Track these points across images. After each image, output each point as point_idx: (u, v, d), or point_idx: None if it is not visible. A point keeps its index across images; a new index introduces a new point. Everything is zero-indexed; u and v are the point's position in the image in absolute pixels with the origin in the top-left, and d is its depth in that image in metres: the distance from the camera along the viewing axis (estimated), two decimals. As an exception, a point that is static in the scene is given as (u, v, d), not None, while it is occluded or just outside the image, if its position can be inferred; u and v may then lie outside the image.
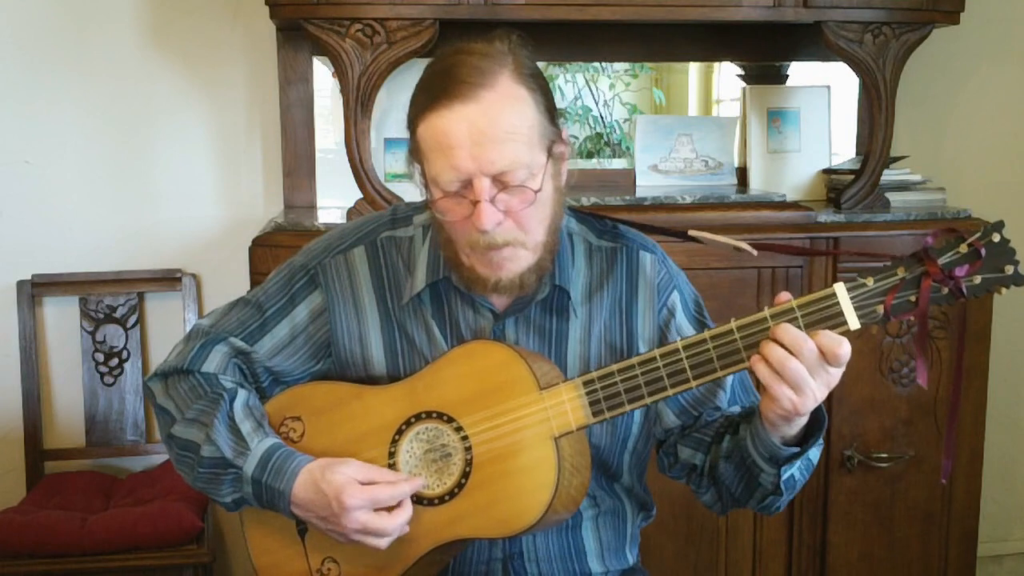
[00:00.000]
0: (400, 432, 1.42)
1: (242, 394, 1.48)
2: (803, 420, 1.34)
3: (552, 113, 1.38)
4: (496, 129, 1.30)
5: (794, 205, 2.61)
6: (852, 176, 2.72)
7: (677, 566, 2.55)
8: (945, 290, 1.27)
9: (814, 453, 1.42)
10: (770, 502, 1.44)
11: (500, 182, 1.32)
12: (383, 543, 1.37)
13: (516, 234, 1.35)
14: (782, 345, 1.27)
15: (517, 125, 1.32)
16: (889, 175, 2.76)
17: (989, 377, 2.65)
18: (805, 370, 1.27)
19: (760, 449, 1.38)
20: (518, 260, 1.37)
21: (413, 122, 1.36)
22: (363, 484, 1.37)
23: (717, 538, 2.56)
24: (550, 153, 1.37)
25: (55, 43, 2.71)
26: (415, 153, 1.38)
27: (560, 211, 1.43)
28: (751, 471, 1.41)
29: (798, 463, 1.40)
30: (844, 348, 1.27)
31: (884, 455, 2.57)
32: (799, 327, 1.28)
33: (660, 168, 2.89)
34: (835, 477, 2.57)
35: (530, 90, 1.34)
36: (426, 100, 1.33)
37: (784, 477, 1.39)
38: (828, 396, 2.62)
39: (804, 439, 1.38)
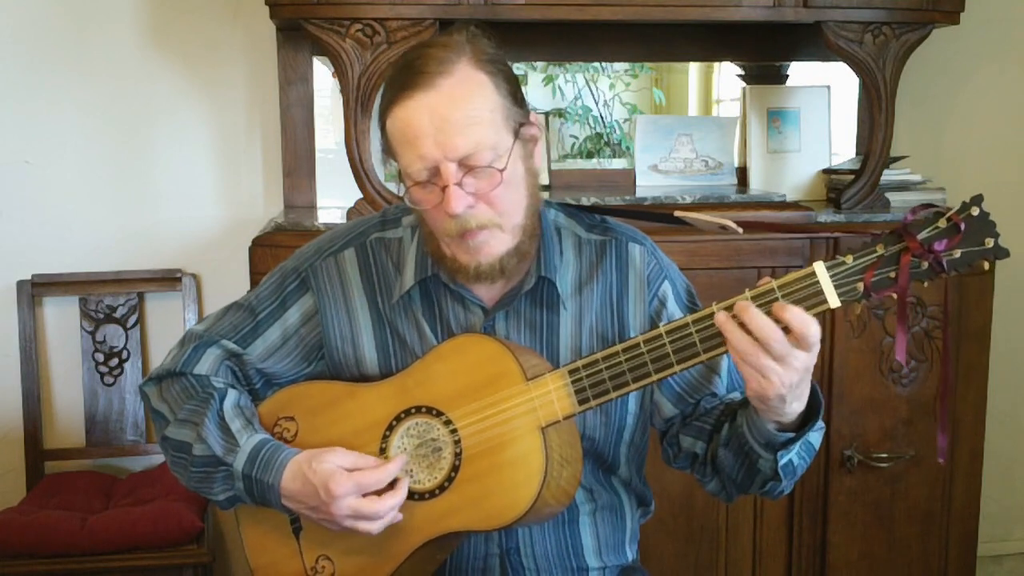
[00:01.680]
0: (391, 428, 1.42)
1: (232, 394, 1.49)
2: (798, 407, 1.33)
3: (517, 96, 1.40)
4: (457, 113, 1.32)
5: (794, 205, 2.61)
6: (852, 176, 2.72)
7: (677, 566, 2.55)
8: (925, 265, 1.26)
9: (815, 437, 1.42)
10: (771, 487, 1.44)
11: (466, 165, 1.34)
12: (375, 527, 1.37)
13: (491, 216, 1.37)
14: (748, 331, 1.26)
15: (478, 108, 1.34)
16: (889, 175, 2.76)
17: (989, 377, 2.65)
18: (767, 356, 1.25)
19: (756, 435, 1.38)
20: (496, 243, 1.38)
21: (382, 119, 1.39)
22: (349, 471, 1.37)
23: (717, 538, 2.56)
24: (517, 135, 1.38)
25: (55, 43, 2.71)
26: (388, 150, 1.41)
27: (537, 194, 1.44)
28: (749, 457, 1.41)
29: (796, 448, 1.39)
30: (812, 329, 1.25)
31: (884, 455, 2.57)
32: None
33: (660, 168, 2.89)
34: (835, 477, 2.57)
35: (490, 74, 1.37)
36: (390, 95, 1.37)
37: (782, 463, 1.39)
38: (828, 395, 2.63)
39: (803, 424, 1.37)
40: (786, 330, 1.25)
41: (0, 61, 2.70)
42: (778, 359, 1.26)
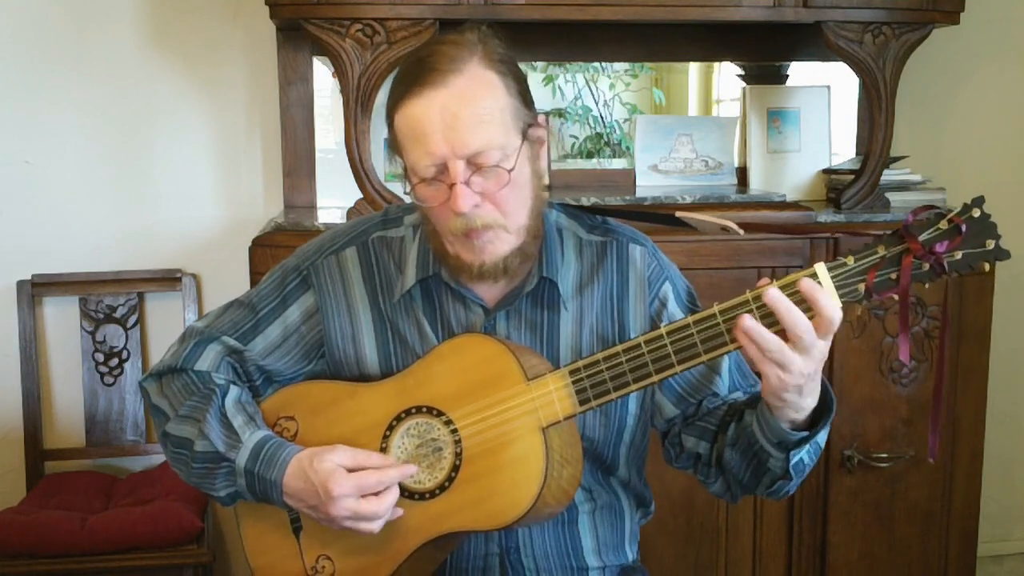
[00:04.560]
0: (391, 428, 1.42)
1: (234, 390, 1.50)
2: (812, 401, 1.33)
3: (526, 97, 1.41)
4: (467, 111, 1.33)
5: (794, 205, 2.61)
6: (852, 176, 2.72)
7: (677, 566, 2.55)
8: (926, 266, 1.27)
9: (821, 436, 1.41)
10: (779, 487, 1.44)
11: (474, 164, 1.34)
12: (375, 527, 1.38)
13: (495, 216, 1.37)
14: (778, 315, 1.26)
15: (488, 107, 1.34)
16: (889, 175, 2.76)
17: (989, 377, 2.65)
18: (784, 345, 1.25)
19: (768, 435, 1.37)
20: (500, 243, 1.39)
21: (390, 114, 1.40)
22: (351, 469, 1.37)
23: (717, 538, 2.56)
24: (525, 136, 1.39)
25: (55, 43, 2.71)
26: (394, 146, 1.41)
27: (541, 195, 1.45)
28: (759, 457, 1.41)
29: (807, 446, 1.39)
30: (838, 315, 1.26)
31: (884, 455, 2.57)
32: None
33: (660, 168, 2.89)
34: (835, 477, 2.57)
35: (500, 74, 1.37)
36: (400, 91, 1.37)
37: (793, 461, 1.39)
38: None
39: (813, 422, 1.37)
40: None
41: (0, 61, 2.70)
42: (803, 350, 1.26)
